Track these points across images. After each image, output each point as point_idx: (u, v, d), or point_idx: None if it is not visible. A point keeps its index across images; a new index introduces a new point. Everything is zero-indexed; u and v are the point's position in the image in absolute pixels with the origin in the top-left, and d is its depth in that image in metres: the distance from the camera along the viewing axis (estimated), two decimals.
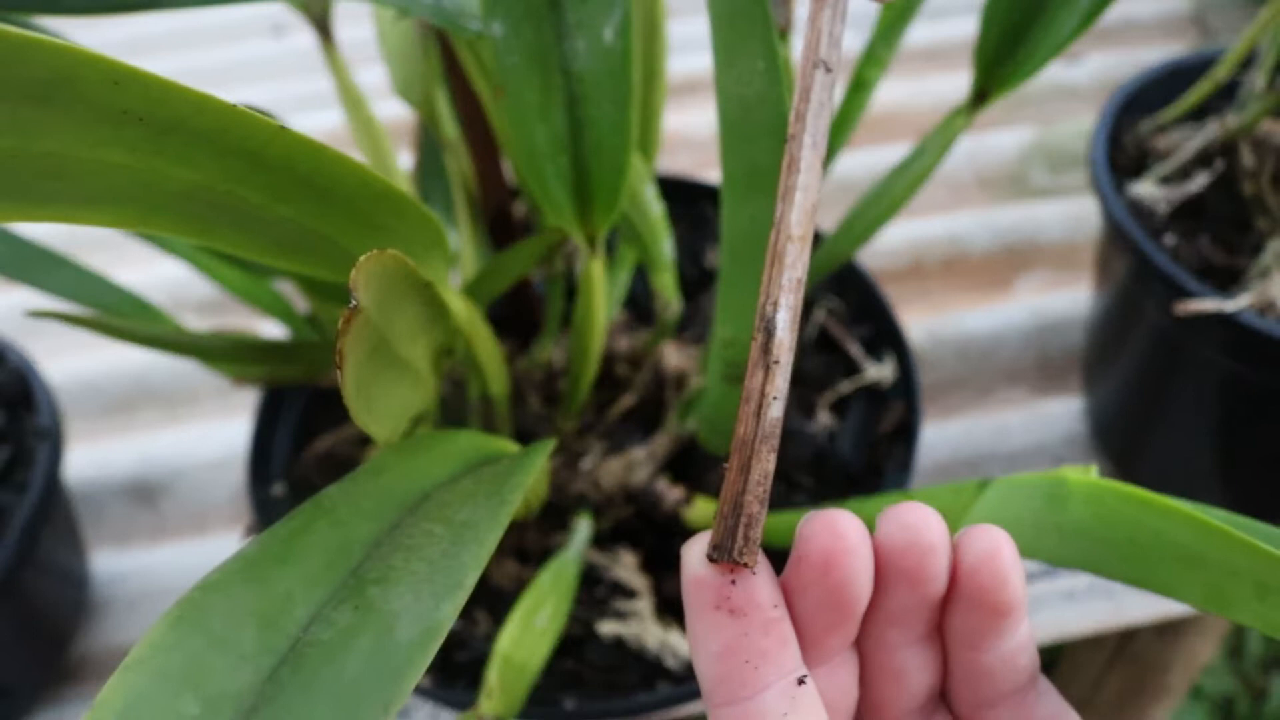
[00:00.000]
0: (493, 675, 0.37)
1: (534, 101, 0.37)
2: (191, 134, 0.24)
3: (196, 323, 0.79)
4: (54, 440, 0.58)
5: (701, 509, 0.47)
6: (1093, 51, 0.90)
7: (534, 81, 0.37)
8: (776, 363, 0.25)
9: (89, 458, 0.72)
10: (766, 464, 0.25)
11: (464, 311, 0.37)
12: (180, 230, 0.28)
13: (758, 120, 0.33)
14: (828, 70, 0.28)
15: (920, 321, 0.70)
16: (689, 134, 0.87)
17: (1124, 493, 0.31)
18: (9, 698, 0.63)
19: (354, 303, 0.22)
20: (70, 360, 0.77)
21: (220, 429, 0.73)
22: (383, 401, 0.31)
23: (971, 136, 0.82)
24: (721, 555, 0.25)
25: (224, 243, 0.30)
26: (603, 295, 0.40)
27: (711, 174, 0.77)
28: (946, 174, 0.81)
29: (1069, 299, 0.70)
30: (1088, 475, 0.33)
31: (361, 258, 0.23)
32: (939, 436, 0.65)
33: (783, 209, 0.27)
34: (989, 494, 0.38)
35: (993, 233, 0.75)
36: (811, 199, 0.27)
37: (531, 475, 0.29)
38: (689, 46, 0.92)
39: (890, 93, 0.87)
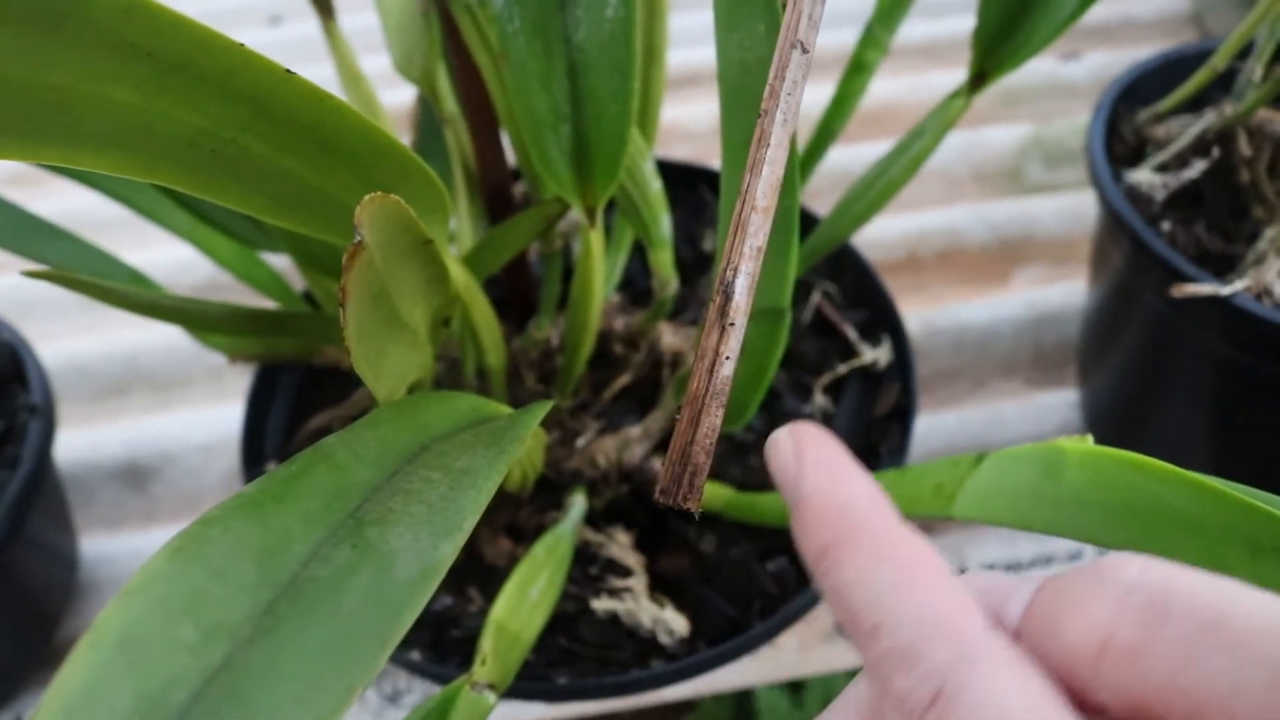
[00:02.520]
0: (486, 643, 0.37)
1: (536, 70, 0.37)
2: (198, 74, 0.24)
3: None
4: (45, 416, 0.58)
5: None
6: (1091, 50, 0.90)
7: (536, 50, 0.37)
8: (732, 324, 0.27)
9: (80, 441, 0.71)
10: (715, 419, 0.27)
11: (463, 278, 0.37)
12: (183, 181, 0.28)
13: (758, 85, 0.33)
14: (804, 51, 0.29)
15: (915, 313, 0.70)
16: (688, 126, 0.88)
17: (1119, 458, 0.31)
18: None
19: (358, 238, 0.22)
20: (61, 344, 0.77)
21: (212, 413, 0.72)
22: (382, 355, 0.31)
23: (968, 132, 0.83)
24: (667, 499, 0.27)
25: (226, 196, 0.30)
26: (601, 266, 0.40)
27: (711, 164, 0.77)
28: (942, 169, 0.81)
29: (1065, 292, 0.71)
30: (1084, 444, 0.33)
31: (366, 198, 0.23)
32: (934, 426, 0.65)
33: (750, 180, 0.28)
34: (985, 466, 0.38)
35: (989, 227, 0.76)
36: (778, 173, 0.29)
37: (530, 429, 0.28)
38: (689, 39, 0.92)
39: (887, 88, 0.87)
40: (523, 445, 0.28)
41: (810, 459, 0.24)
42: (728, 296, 0.27)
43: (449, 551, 0.23)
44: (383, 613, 0.21)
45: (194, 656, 0.19)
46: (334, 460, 0.25)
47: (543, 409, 0.31)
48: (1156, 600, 0.20)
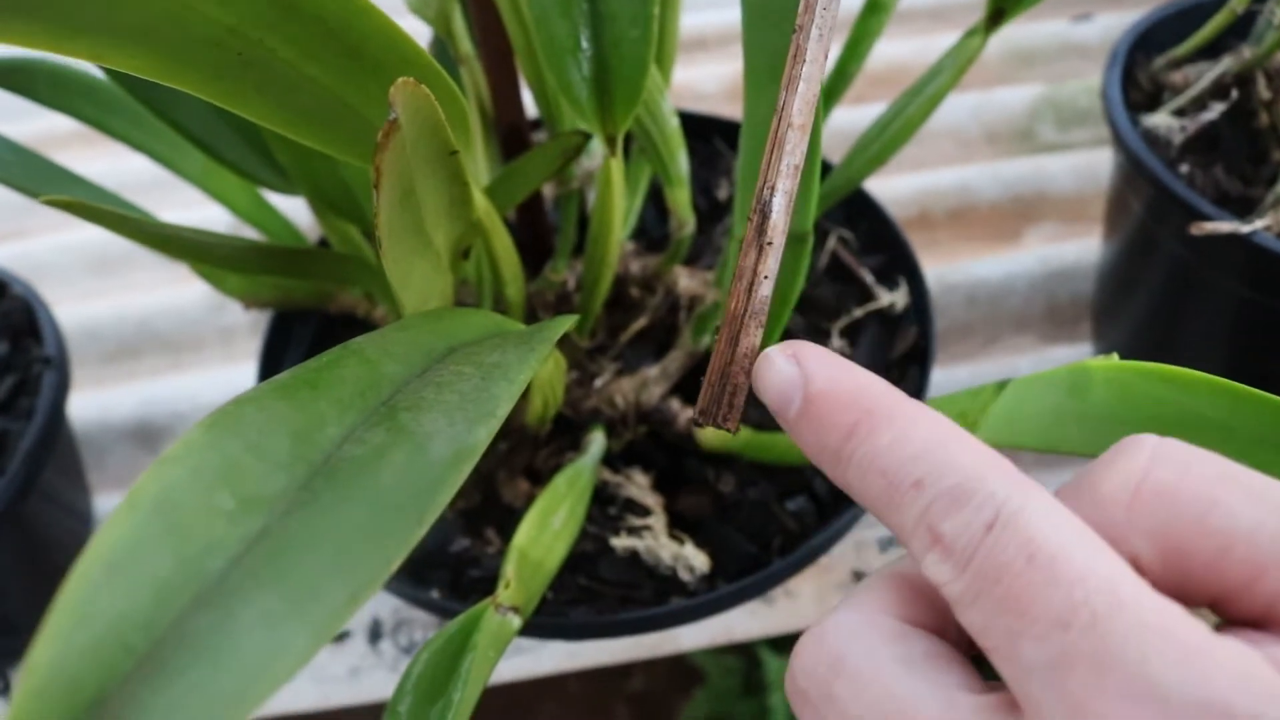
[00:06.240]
0: (509, 568, 0.37)
1: None
2: None
3: None
4: (59, 368, 0.58)
5: (714, 429, 0.47)
6: (1103, 11, 0.90)
7: None
8: (770, 244, 0.27)
9: (92, 402, 0.71)
10: (754, 338, 0.27)
11: (484, 204, 0.37)
12: (207, 88, 0.28)
13: (780, 3, 0.33)
14: None
15: (928, 269, 0.69)
16: (699, 88, 0.87)
17: (1146, 370, 0.31)
18: (14, 634, 0.62)
19: (393, 115, 0.22)
20: (71, 308, 0.76)
21: (224, 374, 0.72)
22: (409, 267, 0.30)
23: (979, 93, 0.83)
24: (707, 420, 0.27)
25: (250, 108, 0.29)
26: (621, 196, 0.40)
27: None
28: (954, 129, 0.81)
29: (1078, 249, 0.70)
30: (1110, 361, 0.33)
31: (399, 80, 0.23)
32: (946, 381, 0.65)
33: (786, 97, 0.28)
34: (1009, 392, 0.37)
35: (1001, 185, 0.75)
36: (814, 89, 0.28)
37: (558, 335, 0.28)
38: (698, 3, 0.92)
39: (896, 50, 0.87)
40: (551, 349, 0.28)
41: (812, 360, 0.25)
42: (765, 215, 0.27)
43: (483, 435, 0.22)
44: (418, 490, 0.21)
45: (232, 524, 0.19)
46: (364, 355, 0.25)
47: (568, 320, 0.30)
48: (1179, 456, 0.21)
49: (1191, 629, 0.18)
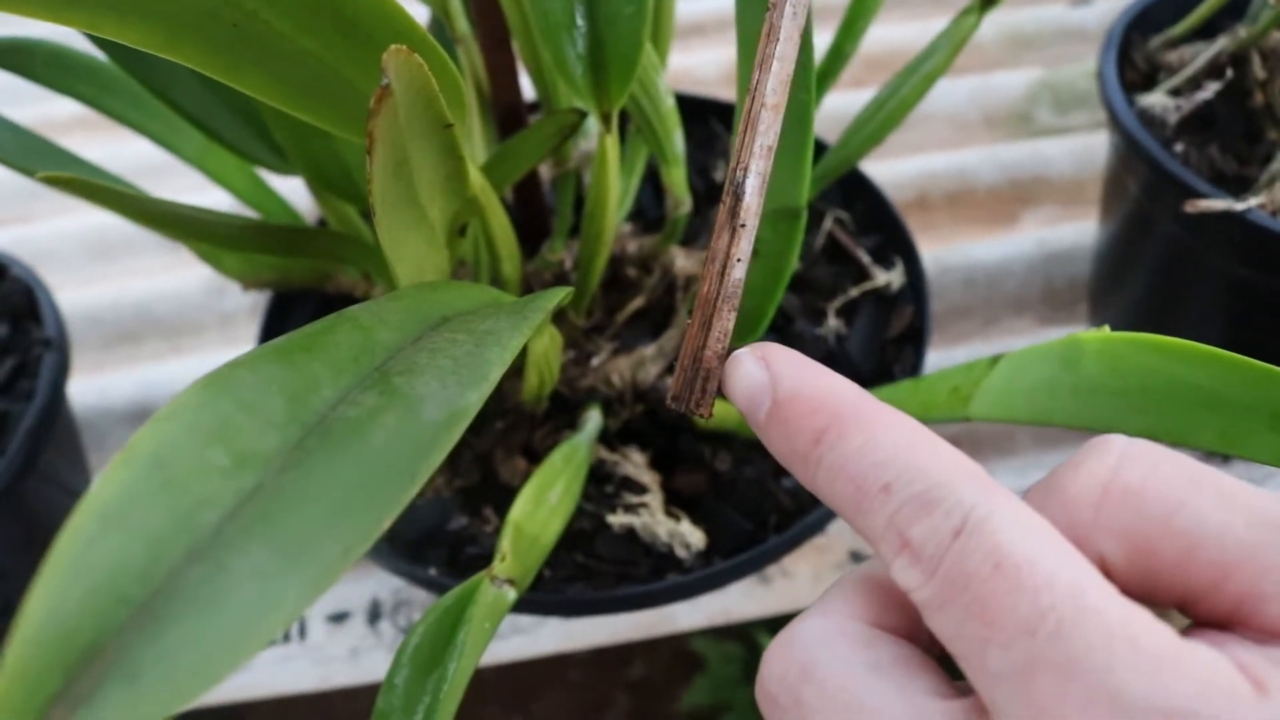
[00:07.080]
0: (505, 542, 0.37)
1: None
2: None
3: None
4: (59, 350, 0.58)
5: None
6: None
7: None
8: (743, 226, 0.27)
9: (92, 387, 0.72)
10: (726, 322, 0.27)
11: (480, 181, 0.37)
12: (205, 61, 0.28)
13: None
14: None
15: (926, 252, 0.70)
16: (696, 74, 0.87)
17: (1136, 341, 0.31)
18: (13, 615, 0.63)
19: (385, 81, 0.23)
20: (72, 294, 0.77)
21: (223, 358, 0.71)
22: (403, 241, 0.31)
23: (977, 77, 0.83)
24: (680, 406, 0.27)
25: (246, 81, 0.30)
26: (616, 174, 0.40)
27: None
28: (951, 113, 0.81)
29: (1075, 232, 0.70)
30: (1101, 333, 0.33)
31: (391, 47, 0.23)
32: (945, 362, 0.65)
33: (759, 76, 0.28)
34: (1001, 366, 0.38)
35: (999, 168, 0.75)
36: (788, 69, 0.28)
37: (552, 305, 0.29)
38: None
39: (894, 33, 0.87)
40: (545, 317, 0.28)
41: (781, 363, 0.25)
42: (738, 197, 0.27)
43: (475, 399, 0.23)
44: (411, 451, 0.21)
45: (226, 480, 0.20)
46: (358, 322, 0.25)
47: (562, 290, 0.31)
48: (1148, 457, 0.21)
49: (1157, 636, 0.18)
